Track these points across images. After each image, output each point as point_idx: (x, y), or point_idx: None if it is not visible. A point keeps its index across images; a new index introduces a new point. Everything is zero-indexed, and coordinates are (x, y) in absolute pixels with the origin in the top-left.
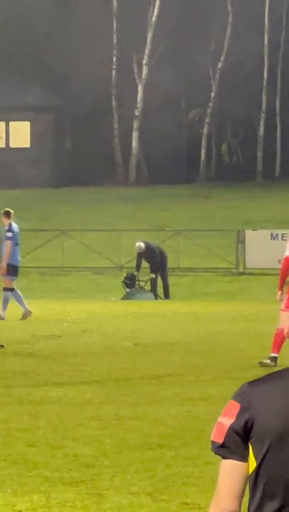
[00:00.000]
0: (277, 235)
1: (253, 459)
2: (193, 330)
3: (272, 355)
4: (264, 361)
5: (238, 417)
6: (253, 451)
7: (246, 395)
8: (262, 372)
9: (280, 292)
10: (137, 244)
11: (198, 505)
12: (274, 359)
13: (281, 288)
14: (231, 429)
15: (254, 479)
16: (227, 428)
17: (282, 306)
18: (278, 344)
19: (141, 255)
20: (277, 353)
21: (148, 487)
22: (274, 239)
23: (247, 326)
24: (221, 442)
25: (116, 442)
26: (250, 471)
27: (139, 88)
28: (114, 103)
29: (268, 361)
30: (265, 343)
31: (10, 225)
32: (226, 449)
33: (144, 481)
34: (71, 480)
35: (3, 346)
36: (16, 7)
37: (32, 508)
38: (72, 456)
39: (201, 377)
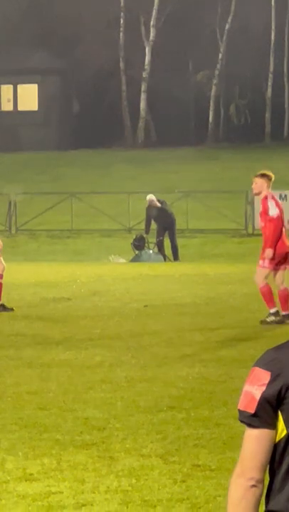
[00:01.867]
0: (286, 195)
1: (284, 426)
2: (203, 291)
3: (272, 311)
4: (268, 319)
5: (269, 385)
6: (283, 418)
7: (276, 361)
8: (273, 333)
9: (272, 251)
10: (148, 197)
11: (210, 466)
12: (275, 314)
13: (274, 248)
14: (264, 398)
15: (283, 446)
16: (259, 397)
17: (261, 263)
18: (270, 299)
19: (150, 212)
20: (274, 306)
21: (159, 449)
22: (283, 199)
23: (254, 288)
24: (253, 412)
25: (126, 405)
26: (278, 438)
27: (147, 50)
28: (122, 65)
29: (272, 318)
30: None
31: None
32: (256, 418)
33: (155, 443)
34: (82, 443)
35: (12, 309)
36: None
37: (43, 471)
38: (83, 419)
39: (212, 338)
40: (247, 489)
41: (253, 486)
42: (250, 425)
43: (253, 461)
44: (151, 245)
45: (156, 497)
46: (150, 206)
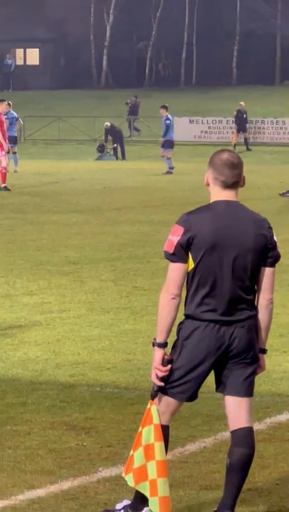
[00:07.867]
0: (193, 120)
1: (192, 261)
2: (140, 179)
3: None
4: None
5: (182, 235)
6: (192, 256)
7: (187, 221)
8: (180, 207)
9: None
10: (105, 123)
11: (143, 287)
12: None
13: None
14: (178, 243)
15: (192, 274)
16: (175, 243)
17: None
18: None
19: (107, 131)
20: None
21: (112, 276)
22: (191, 122)
23: (173, 177)
24: (171, 252)
25: (91, 248)
26: (190, 269)
27: (108, 28)
28: (92, 37)
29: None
30: (184, 187)
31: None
32: (174, 256)
33: (109, 273)
34: (64, 272)
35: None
36: None
37: (39, 289)
38: (64, 257)
39: (146, 208)
40: (169, 300)
41: (173, 298)
42: (171, 260)
43: (173, 282)
44: (109, 149)
45: (109, 306)
46: (106, 128)
